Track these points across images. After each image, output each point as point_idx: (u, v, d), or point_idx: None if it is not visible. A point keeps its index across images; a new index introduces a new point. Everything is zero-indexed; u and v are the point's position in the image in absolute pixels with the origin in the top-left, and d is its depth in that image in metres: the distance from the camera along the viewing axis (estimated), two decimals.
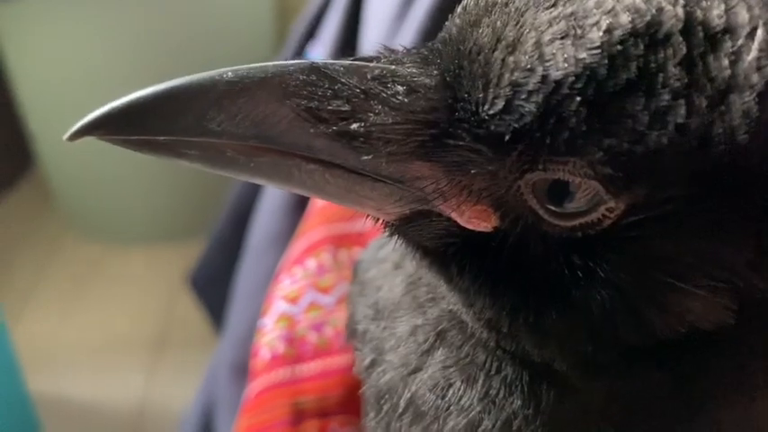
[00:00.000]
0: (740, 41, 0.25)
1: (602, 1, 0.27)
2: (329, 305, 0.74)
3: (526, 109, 0.26)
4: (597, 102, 0.25)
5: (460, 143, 0.28)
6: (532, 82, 0.26)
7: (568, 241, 0.28)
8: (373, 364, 0.40)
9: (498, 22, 0.28)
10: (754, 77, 0.25)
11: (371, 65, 0.29)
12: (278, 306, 0.75)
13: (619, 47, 0.25)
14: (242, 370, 0.84)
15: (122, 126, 0.28)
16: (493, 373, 0.34)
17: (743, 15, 0.26)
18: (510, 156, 0.27)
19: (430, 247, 0.32)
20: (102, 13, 1.63)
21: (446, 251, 0.31)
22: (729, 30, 0.26)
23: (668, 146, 0.25)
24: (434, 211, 0.30)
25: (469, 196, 0.29)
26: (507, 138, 0.26)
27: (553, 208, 0.28)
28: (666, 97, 0.25)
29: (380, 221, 0.32)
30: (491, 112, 0.27)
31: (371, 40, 0.91)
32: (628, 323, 0.28)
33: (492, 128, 0.27)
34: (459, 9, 0.31)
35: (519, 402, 0.33)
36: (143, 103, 0.27)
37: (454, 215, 0.30)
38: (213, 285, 1.21)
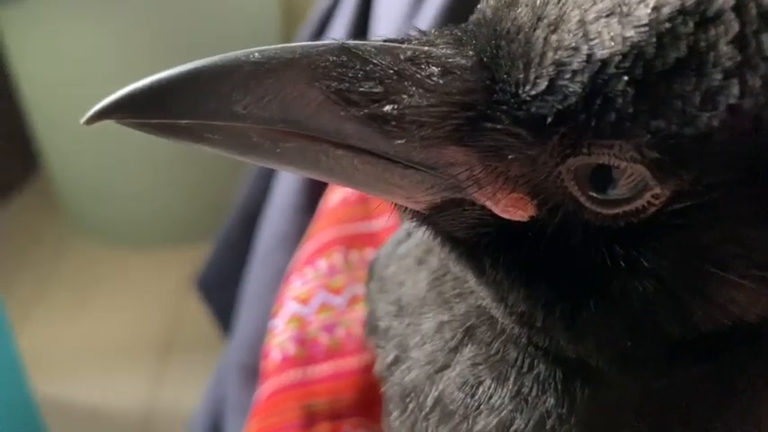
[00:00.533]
0: None
1: None
2: (341, 306, 0.73)
3: (570, 89, 0.25)
4: (645, 82, 0.24)
5: (498, 126, 0.26)
6: (577, 61, 0.25)
7: (610, 230, 0.27)
8: (397, 361, 0.39)
9: (538, 1, 0.27)
10: None
11: (404, 46, 0.28)
12: (289, 307, 0.75)
13: (667, 24, 0.24)
14: (251, 371, 0.83)
15: (143, 108, 0.27)
16: (525, 370, 0.33)
17: None
18: (551, 140, 0.26)
19: (461, 237, 0.31)
20: (107, 17, 1.64)
21: (479, 242, 0.30)
22: None
23: (719, 128, 0.24)
24: (468, 199, 0.29)
25: (506, 183, 0.28)
26: (550, 120, 0.25)
27: (596, 195, 0.27)
28: (718, 77, 0.24)
29: (408, 212, 0.31)
30: (533, 92, 0.26)
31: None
32: (670, 315, 0.27)
33: (533, 110, 0.26)
34: None
35: (552, 401, 0.32)
36: (165, 85, 0.26)
37: (489, 203, 0.29)
38: (220, 288, 1.21)
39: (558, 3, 0.26)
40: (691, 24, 0.24)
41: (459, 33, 0.29)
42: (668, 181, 0.25)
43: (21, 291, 1.75)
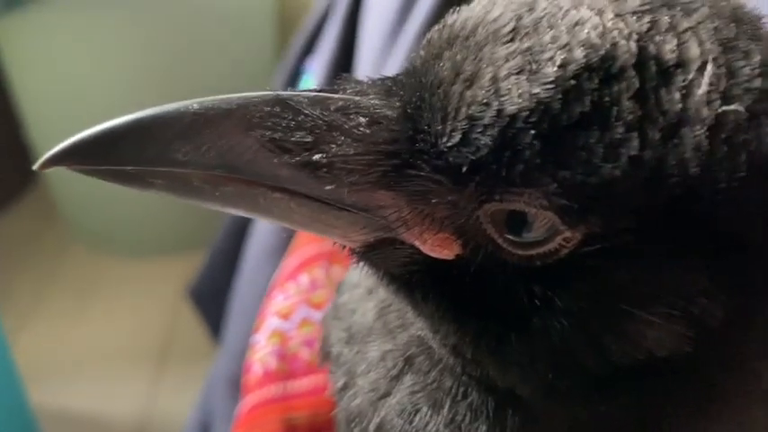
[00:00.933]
0: (691, 75, 0.26)
1: (557, 35, 0.27)
2: None
3: (482, 142, 0.27)
4: (551, 135, 0.26)
5: (421, 173, 0.28)
6: (488, 116, 0.26)
7: (528, 270, 0.28)
8: (345, 387, 0.40)
9: (458, 56, 0.28)
10: (704, 111, 0.26)
11: (335, 96, 0.29)
12: (270, 322, 0.75)
13: (573, 81, 0.26)
14: (237, 384, 0.84)
15: (91, 156, 0.28)
16: (459, 398, 0.34)
17: (694, 50, 0.26)
18: (468, 186, 0.28)
19: (395, 273, 0.32)
20: (105, 28, 1.65)
21: (411, 278, 0.32)
22: (681, 64, 0.26)
23: (622, 177, 0.25)
24: (398, 238, 0.31)
25: (432, 225, 0.30)
26: (465, 169, 0.27)
27: (512, 237, 0.28)
28: (620, 130, 0.25)
29: (346, 249, 0.33)
30: (449, 144, 0.27)
31: (367, 55, 0.91)
32: (585, 350, 0.29)
33: (450, 159, 0.27)
34: (424, 41, 0.31)
35: (484, 428, 0.33)
36: (110, 134, 0.28)
37: (417, 243, 0.30)
38: (213, 298, 1.22)
39: (475, 59, 0.28)
40: (595, 81, 0.26)
41: (390, 83, 0.30)
42: (577, 226, 0.27)
43: (18, 299, 1.77)
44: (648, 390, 0.30)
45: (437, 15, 0.81)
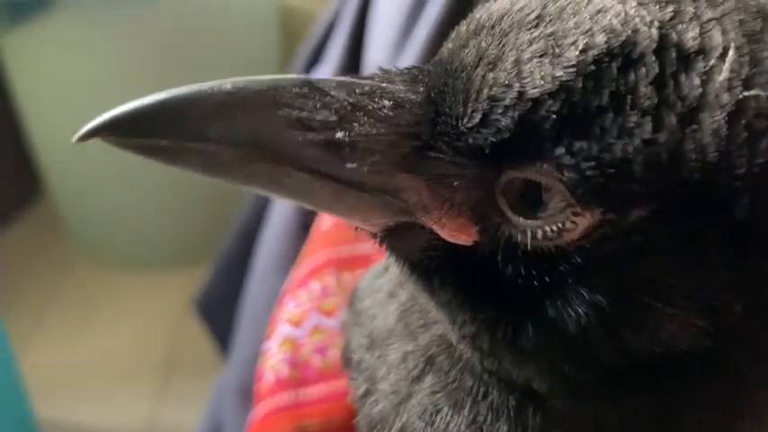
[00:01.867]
0: (712, 62, 0.26)
1: (580, 22, 0.27)
2: (333, 328, 0.74)
3: (502, 123, 0.27)
4: (570, 117, 0.26)
5: (441, 156, 0.29)
6: (509, 97, 0.27)
7: (545, 257, 0.28)
8: (367, 393, 0.40)
9: (483, 43, 0.29)
10: (725, 97, 0.26)
11: (362, 81, 0.30)
12: (282, 329, 0.75)
13: (593, 66, 0.27)
14: (248, 394, 0.84)
15: (128, 129, 0.29)
16: (480, 398, 0.34)
17: (716, 38, 0.27)
18: (489, 166, 0.28)
19: (414, 260, 0.32)
20: (109, 42, 1.66)
21: (429, 264, 0.32)
22: (702, 51, 0.26)
23: (635, 156, 0.26)
24: (418, 223, 0.31)
25: (451, 209, 0.30)
26: (487, 151, 0.28)
27: (525, 214, 0.28)
28: (636, 113, 0.26)
29: (368, 234, 0.33)
30: (469, 125, 0.28)
31: (375, 64, 0.91)
32: (602, 341, 0.28)
33: (470, 140, 0.28)
34: (452, 34, 0.32)
35: (505, 428, 0.33)
36: (148, 109, 0.29)
37: (436, 228, 0.31)
38: (219, 310, 1.21)
39: (499, 44, 0.28)
40: (614, 66, 0.26)
41: (416, 72, 0.31)
42: (588, 204, 0.27)
43: (23, 314, 1.77)
44: (673, 386, 0.29)
45: (446, 22, 0.81)
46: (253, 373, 0.81)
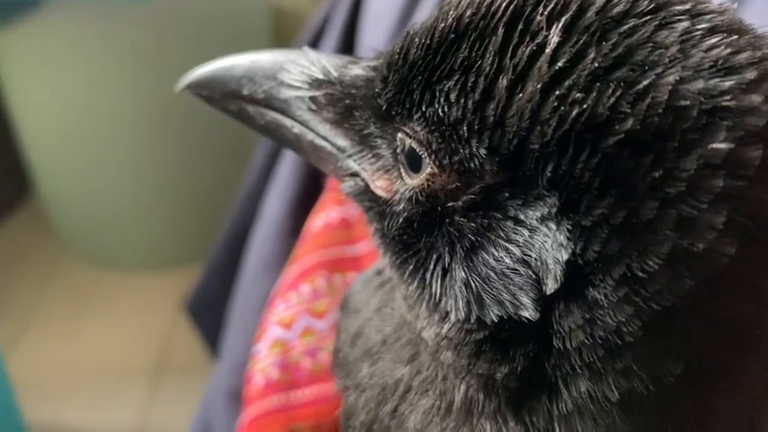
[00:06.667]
0: (546, 35, 0.28)
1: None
2: (324, 330, 0.74)
3: (390, 83, 0.34)
4: (429, 80, 0.31)
5: (360, 113, 0.37)
6: (398, 61, 0.33)
7: (425, 212, 0.32)
8: (347, 387, 0.42)
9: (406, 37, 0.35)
10: (544, 68, 0.28)
11: (349, 59, 0.38)
12: (272, 332, 0.75)
13: (453, 35, 0.31)
14: (237, 396, 0.84)
15: (201, 85, 0.42)
16: (459, 394, 0.34)
17: (565, 17, 0.28)
18: (389, 126, 0.35)
19: (366, 210, 0.38)
20: (101, 42, 1.65)
21: (368, 211, 0.37)
22: (547, 27, 0.28)
23: (470, 118, 0.29)
24: (361, 176, 0.38)
25: (378, 165, 0.37)
26: (383, 108, 0.34)
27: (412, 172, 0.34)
28: (473, 79, 0.29)
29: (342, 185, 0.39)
30: (377, 89, 0.35)
31: None
32: (470, 297, 0.30)
33: (380, 102, 0.34)
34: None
35: (488, 426, 0.33)
36: (209, 73, 0.41)
37: (368, 180, 0.37)
38: (209, 311, 1.21)
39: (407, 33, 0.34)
40: (471, 35, 0.30)
41: (378, 57, 0.37)
42: (442, 162, 0.31)
43: (11, 314, 1.76)
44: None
45: None
46: (242, 375, 0.81)
